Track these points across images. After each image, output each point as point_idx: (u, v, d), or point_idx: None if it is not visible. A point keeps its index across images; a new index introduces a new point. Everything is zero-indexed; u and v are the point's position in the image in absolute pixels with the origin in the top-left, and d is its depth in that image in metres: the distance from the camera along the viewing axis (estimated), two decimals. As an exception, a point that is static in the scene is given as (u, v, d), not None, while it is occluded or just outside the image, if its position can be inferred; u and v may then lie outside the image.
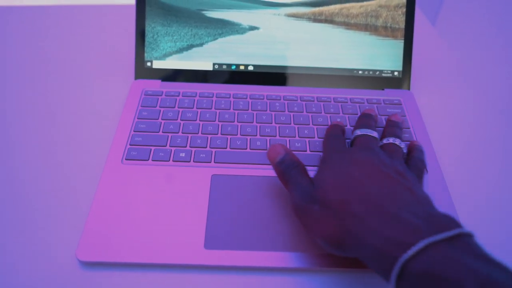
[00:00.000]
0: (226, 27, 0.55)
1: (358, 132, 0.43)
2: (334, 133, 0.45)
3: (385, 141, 0.43)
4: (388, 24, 0.55)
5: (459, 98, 0.58)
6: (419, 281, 0.27)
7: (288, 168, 0.39)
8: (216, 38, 0.55)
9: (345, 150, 0.39)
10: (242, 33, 0.55)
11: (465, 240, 0.28)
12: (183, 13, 0.55)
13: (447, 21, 1.38)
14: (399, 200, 0.32)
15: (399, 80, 0.56)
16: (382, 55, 0.55)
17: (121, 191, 0.43)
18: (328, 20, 0.55)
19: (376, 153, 0.37)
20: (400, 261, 0.28)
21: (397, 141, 0.42)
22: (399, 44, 0.55)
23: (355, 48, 0.55)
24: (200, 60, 0.55)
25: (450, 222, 0.29)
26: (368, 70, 0.56)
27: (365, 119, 0.46)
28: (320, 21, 0.55)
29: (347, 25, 0.55)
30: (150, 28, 0.55)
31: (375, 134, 0.43)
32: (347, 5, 0.55)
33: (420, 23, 0.74)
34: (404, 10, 0.55)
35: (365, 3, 0.55)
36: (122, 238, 0.39)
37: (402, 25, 0.55)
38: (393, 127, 0.46)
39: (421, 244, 0.27)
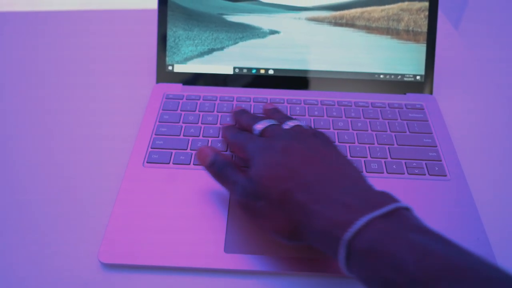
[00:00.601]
0: (247, 31, 0.55)
1: (261, 125, 0.42)
2: (236, 131, 0.44)
3: (285, 126, 0.41)
4: (410, 28, 0.54)
5: (482, 102, 0.57)
6: (365, 258, 0.27)
7: (221, 168, 0.39)
8: (237, 42, 0.55)
9: (266, 142, 0.38)
10: (262, 37, 0.55)
11: (402, 214, 0.29)
12: (204, 18, 0.55)
13: (470, 25, 1.36)
14: (335, 182, 0.33)
15: (421, 85, 0.55)
16: (404, 59, 0.55)
17: (143, 194, 0.43)
18: (349, 24, 0.55)
19: (295, 138, 0.38)
20: (344, 241, 0.28)
21: (296, 122, 0.41)
22: (421, 48, 0.55)
23: (376, 52, 0.55)
24: (221, 64, 0.56)
25: (387, 198, 0.30)
26: (390, 74, 0.55)
27: (267, 113, 0.46)
28: (341, 25, 0.55)
29: (368, 29, 0.55)
30: (172, 32, 0.55)
31: (277, 122, 0.42)
32: (369, 8, 0.54)
33: (442, 26, 0.73)
34: (427, 13, 0.54)
35: (386, 6, 0.54)
36: (143, 241, 0.39)
37: (424, 28, 0.54)
38: (277, 113, 0.46)
39: (360, 222, 0.28)
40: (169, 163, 0.46)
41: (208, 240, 0.39)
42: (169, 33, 0.55)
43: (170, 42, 0.55)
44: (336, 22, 0.55)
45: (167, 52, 0.56)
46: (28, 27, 0.72)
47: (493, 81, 0.61)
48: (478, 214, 0.42)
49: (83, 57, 0.65)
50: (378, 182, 0.45)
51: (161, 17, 0.55)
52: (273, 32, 0.55)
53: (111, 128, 0.53)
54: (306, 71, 0.55)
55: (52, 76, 0.61)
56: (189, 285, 0.38)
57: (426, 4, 0.54)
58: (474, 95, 0.58)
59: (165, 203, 0.42)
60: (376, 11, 0.54)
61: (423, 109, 0.53)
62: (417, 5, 0.54)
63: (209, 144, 0.48)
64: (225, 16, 0.55)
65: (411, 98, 0.55)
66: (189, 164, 0.46)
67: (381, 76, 0.55)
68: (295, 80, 0.56)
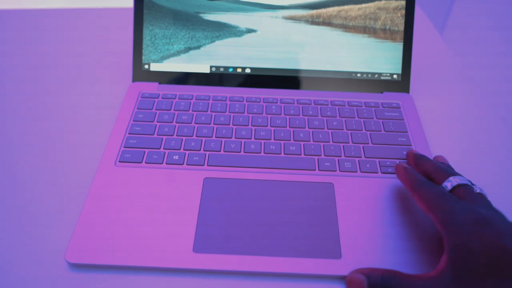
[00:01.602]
0: (224, 30, 0.55)
1: (457, 180, 0.37)
2: (423, 179, 0.38)
3: (475, 189, 0.37)
4: (387, 27, 0.54)
5: (459, 103, 0.57)
6: None
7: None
8: (214, 41, 0.55)
9: (475, 213, 0.33)
10: (239, 36, 0.55)
11: None
12: (180, 16, 0.55)
13: (453, 27, 1.37)
14: None
15: (398, 83, 0.55)
16: (381, 58, 0.55)
17: (113, 194, 0.43)
18: (326, 22, 0.55)
19: (494, 212, 0.34)
20: None
21: (478, 189, 0.37)
22: (398, 46, 0.54)
23: (353, 51, 0.55)
24: (198, 62, 0.55)
25: None
26: (367, 73, 0.55)
27: (446, 165, 0.43)
28: (318, 23, 0.55)
29: (345, 28, 0.55)
30: (148, 31, 0.55)
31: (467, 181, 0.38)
32: (345, 7, 0.54)
33: (425, 28, 0.73)
34: (403, 12, 0.54)
35: (363, 5, 0.54)
36: (112, 241, 0.39)
37: (401, 27, 0.54)
38: (449, 167, 0.42)
39: None
40: (141, 162, 0.46)
41: (178, 240, 0.39)
42: (145, 31, 0.55)
43: (146, 40, 0.55)
44: (313, 21, 0.55)
45: (143, 51, 0.55)
46: (2, 24, 0.71)
47: (471, 82, 0.60)
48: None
49: (59, 55, 0.64)
50: (352, 181, 0.44)
51: (137, 16, 0.55)
52: (250, 30, 0.55)
53: (85, 126, 0.52)
54: (282, 70, 0.55)
55: (26, 72, 0.60)
56: (158, 285, 0.37)
57: (403, 2, 0.54)
58: (451, 95, 0.58)
59: (135, 203, 0.42)
60: (353, 9, 0.54)
61: (399, 108, 0.53)
62: (394, 3, 0.54)
63: (183, 144, 0.48)
64: (202, 15, 0.55)
65: (388, 97, 0.54)
66: (162, 163, 0.46)
67: (358, 75, 0.55)
68: (272, 79, 0.55)
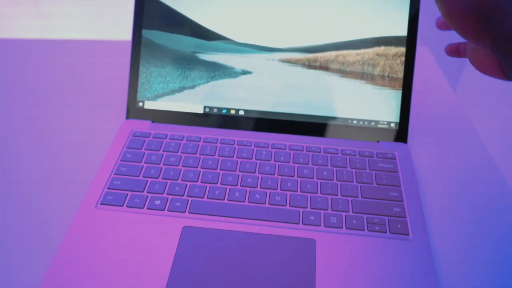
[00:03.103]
0: (219, 70, 0.54)
1: None
2: None
3: None
4: (386, 73, 0.52)
5: (460, 157, 0.54)
6: None
7: None
8: (208, 81, 0.54)
9: None
10: (234, 77, 0.54)
11: None
12: (177, 55, 0.54)
13: (466, 78, 1.33)
14: None
15: (395, 132, 0.53)
16: (378, 105, 0.53)
17: (90, 237, 0.42)
18: (323, 67, 0.53)
19: None
20: None
21: None
22: (397, 94, 0.53)
23: (350, 97, 0.53)
24: (191, 102, 0.55)
25: None
26: (363, 120, 0.53)
27: None
28: (314, 67, 0.53)
29: (343, 73, 0.53)
30: (144, 68, 0.55)
31: None
32: (343, 52, 0.53)
33: (435, 76, 0.71)
34: (403, 59, 0.52)
35: (362, 50, 0.53)
36: (85, 285, 0.38)
37: (400, 74, 0.52)
38: None
39: None
40: (122, 206, 0.45)
41: (146, 293, 0.38)
42: (142, 69, 0.55)
43: (142, 78, 0.55)
44: (310, 65, 0.53)
45: (138, 88, 0.55)
46: None
47: (474, 135, 0.58)
48: (436, 282, 0.39)
49: (53, 87, 0.65)
50: (336, 239, 0.42)
51: (134, 53, 0.55)
52: (245, 72, 0.54)
53: (74, 162, 0.52)
54: (276, 114, 0.54)
55: (21, 104, 0.61)
56: None
57: (403, 49, 0.52)
58: (451, 149, 0.56)
59: (110, 249, 0.41)
60: (351, 55, 0.53)
61: (395, 158, 0.51)
62: (394, 50, 0.52)
63: (167, 188, 0.47)
64: (198, 54, 0.55)
65: (384, 147, 0.52)
66: (143, 208, 0.45)
67: (354, 121, 0.53)
68: (265, 122, 0.54)
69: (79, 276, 0.39)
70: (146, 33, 0.54)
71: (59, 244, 0.43)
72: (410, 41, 0.52)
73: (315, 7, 0.53)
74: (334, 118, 0.53)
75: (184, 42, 0.54)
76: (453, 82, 1.38)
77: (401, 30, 0.52)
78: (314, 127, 0.54)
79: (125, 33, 1.69)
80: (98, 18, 1.62)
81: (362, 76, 0.53)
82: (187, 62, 0.55)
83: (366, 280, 0.39)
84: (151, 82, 0.55)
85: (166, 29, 0.54)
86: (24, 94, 0.63)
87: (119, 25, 1.64)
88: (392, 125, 0.53)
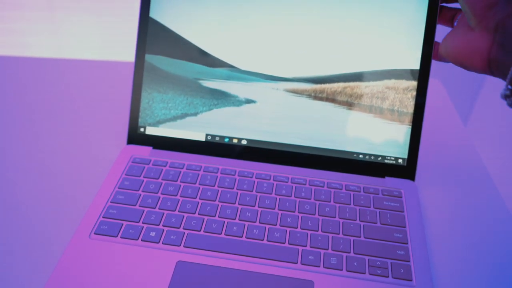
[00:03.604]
0: (222, 98, 0.53)
1: None
2: None
3: None
4: (395, 108, 0.51)
5: (469, 198, 0.52)
6: None
7: None
8: (211, 109, 0.53)
9: None
10: (238, 105, 0.53)
11: None
12: (180, 81, 0.54)
13: (479, 116, 1.31)
14: None
15: (403, 169, 0.51)
16: (386, 140, 0.51)
17: (81, 269, 0.41)
18: (330, 98, 0.52)
19: None
20: None
21: None
22: (406, 129, 0.51)
23: (356, 131, 0.51)
24: (193, 130, 0.54)
25: None
26: (370, 155, 0.51)
27: None
28: (321, 99, 0.52)
29: (350, 105, 0.51)
30: (146, 94, 0.54)
31: None
32: (352, 84, 0.51)
33: (447, 111, 0.69)
34: (414, 93, 0.50)
35: (371, 83, 0.51)
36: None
37: (410, 109, 0.51)
38: None
39: None
40: (116, 236, 0.44)
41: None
42: (144, 94, 0.54)
43: (144, 103, 0.54)
44: (316, 96, 0.52)
45: (140, 114, 0.54)
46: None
47: (483, 177, 0.55)
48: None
49: (54, 108, 0.64)
50: (335, 281, 0.40)
51: (136, 78, 0.54)
52: (249, 101, 0.53)
53: (72, 188, 0.51)
54: (280, 144, 0.52)
55: (19, 125, 0.60)
56: None
57: (415, 83, 0.50)
58: (460, 188, 0.53)
59: (100, 282, 0.40)
60: (359, 87, 0.51)
61: (401, 197, 0.49)
62: (404, 84, 0.51)
63: (163, 219, 0.46)
64: (201, 81, 0.54)
65: (390, 183, 0.50)
66: (137, 239, 0.44)
67: (360, 156, 0.52)
68: (268, 153, 0.53)
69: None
70: (149, 57, 0.53)
71: (50, 273, 0.42)
72: (422, 75, 0.50)
73: (323, 36, 0.51)
74: (339, 151, 0.52)
75: (187, 69, 0.54)
76: (464, 116, 1.35)
77: (414, 63, 0.50)
78: (319, 159, 0.52)
79: (129, 54, 1.70)
80: (105, 37, 1.64)
81: (370, 109, 0.51)
82: (190, 88, 0.54)
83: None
84: (153, 108, 0.54)
85: (170, 55, 0.53)
86: (24, 113, 0.63)
87: (126, 47, 1.66)
88: (400, 161, 0.51)
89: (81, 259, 0.42)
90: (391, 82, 0.51)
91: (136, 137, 0.54)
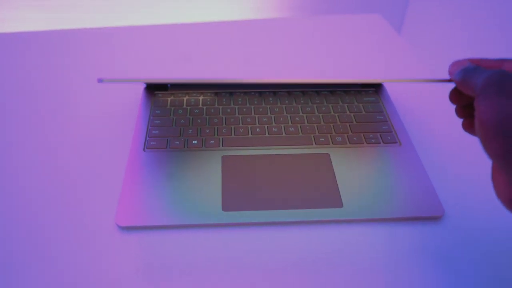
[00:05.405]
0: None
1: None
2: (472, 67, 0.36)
3: None
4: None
5: (430, 84, 0.68)
6: None
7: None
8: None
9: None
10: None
11: None
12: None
13: (411, 25, 1.47)
14: None
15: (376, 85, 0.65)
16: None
17: (146, 170, 0.51)
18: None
19: None
20: None
21: None
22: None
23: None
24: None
25: None
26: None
27: None
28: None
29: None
30: (157, 41, 0.63)
31: None
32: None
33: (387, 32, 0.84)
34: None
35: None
36: (153, 204, 0.47)
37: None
38: None
39: None
40: (166, 148, 0.54)
41: (208, 202, 0.47)
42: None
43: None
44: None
45: (154, 58, 0.63)
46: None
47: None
48: (424, 170, 0.52)
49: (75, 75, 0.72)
50: (344, 151, 0.54)
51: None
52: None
53: (109, 122, 0.60)
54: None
55: (41, 86, 0.67)
56: (193, 238, 0.45)
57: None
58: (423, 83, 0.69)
59: (166, 176, 0.50)
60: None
61: (376, 92, 0.63)
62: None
63: (199, 132, 0.56)
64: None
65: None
66: (184, 147, 0.54)
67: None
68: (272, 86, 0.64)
69: (146, 200, 0.47)
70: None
71: (120, 182, 0.51)
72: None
73: None
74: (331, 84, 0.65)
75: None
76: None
77: None
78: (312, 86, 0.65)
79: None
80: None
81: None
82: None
83: (374, 179, 0.51)
84: (165, 52, 0.63)
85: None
86: (31, 93, 0.69)
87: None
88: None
89: (143, 163, 0.51)
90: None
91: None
